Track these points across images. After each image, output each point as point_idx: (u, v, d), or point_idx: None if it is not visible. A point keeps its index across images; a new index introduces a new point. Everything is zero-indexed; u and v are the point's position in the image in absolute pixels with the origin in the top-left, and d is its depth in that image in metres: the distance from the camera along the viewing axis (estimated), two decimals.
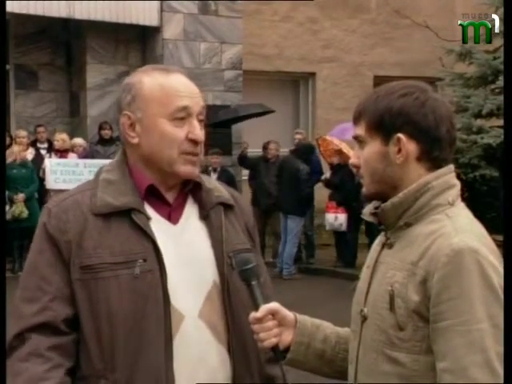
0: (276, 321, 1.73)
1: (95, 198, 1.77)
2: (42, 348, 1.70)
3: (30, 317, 1.72)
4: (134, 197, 1.78)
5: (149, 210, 1.79)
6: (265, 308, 1.71)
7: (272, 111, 11.91)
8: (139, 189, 1.80)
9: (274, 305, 1.73)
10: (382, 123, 1.61)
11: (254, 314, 1.70)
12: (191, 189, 1.86)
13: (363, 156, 1.66)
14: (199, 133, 1.78)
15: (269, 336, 1.71)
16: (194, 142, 1.78)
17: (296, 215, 10.26)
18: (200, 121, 1.80)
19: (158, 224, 1.79)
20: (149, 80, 1.79)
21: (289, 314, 1.77)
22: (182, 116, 1.76)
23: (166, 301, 1.72)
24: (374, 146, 1.64)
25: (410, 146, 1.60)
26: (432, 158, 1.62)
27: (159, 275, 1.73)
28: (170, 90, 1.77)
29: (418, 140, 1.60)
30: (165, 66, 1.88)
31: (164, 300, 1.72)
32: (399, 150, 1.60)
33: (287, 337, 1.75)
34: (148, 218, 1.77)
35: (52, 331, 1.71)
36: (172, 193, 1.84)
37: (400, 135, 1.60)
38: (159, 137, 1.76)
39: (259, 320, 1.70)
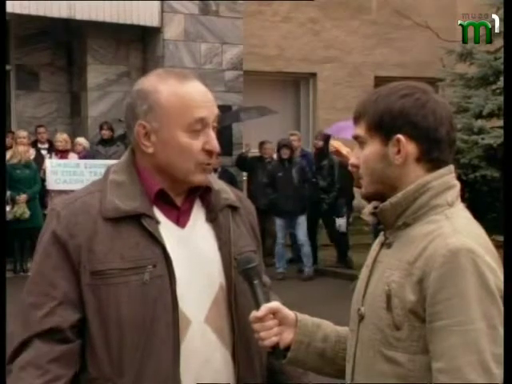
0: (277, 320, 1.74)
1: (105, 200, 1.76)
2: (43, 359, 1.69)
3: (36, 323, 1.71)
4: (143, 201, 1.77)
5: (157, 214, 1.79)
6: (266, 307, 1.71)
7: (274, 113, 11.90)
8: (148, 193, 1.79)
9: (274, 304, 1.74)
10: (382, 124, 1.61)
11: (254, 313, 1.71)
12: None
13: (363, 156, 1.66)
14: (215, 144, 1.77)
15: (269, 335, 1.71)
16: (210, 153, 1.78)
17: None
18: (213, 127, 1.80)
19: (166, 228, 1.78)
20: (165, 89, 1.76)
21: (290, 314, 1.78)
22: (198, 128, 1.75)
23: (175, 306, 1.73)
24: (373, 147, 1.64)
25: (410, 147, 1.60)
26: (431, 160, 1.61)
27: (168, 281, 1.73)
28: (188, 100, 1.75)
29: (417, 141, 1.60)
30: (180, 71, 1.85)
31: (173, 305, 1.72)
32: (398, 151, 1.60)
33: (288, 336, 1.76)
34: (157, 223, 1.77)
35: (58, 338, 1.71)
36: (180, 196, 1.84)
37: (400, 136, 1.60)
38: (176, 149, 1.75)
39: (260, 319, 1.71)
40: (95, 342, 1.71)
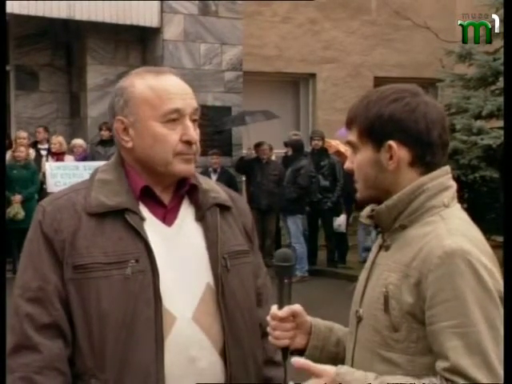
0: (295, 323, 1.74)
1: (89, 197, 1.77)
2: (56, 359, 1.70)
3: (37, 317, 1.71)
4: (128, 197, 1.78)
5: (144, 211, 1.80)
6: (289, 309, 1.71)
7: (276, 117, 11.90)
8: (134, 190, 1.80)
9: (297, 307, 1.74)
10: (373, 130, 1.61)
11: (275, 311, 1.71)
12: (187, 190, 1.86)
13: (356, 162, 1.67)
14: (193, 134, 1.78)
15: (283, 336, 1.72)
16: (189, 143, 1.78)
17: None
18: (193, 120, 1.80)
19: (152, 225, 1.79)
20: (140, 83, 1.79)
21: (307, 320, 1.77)
22: (174, 118, 1.76)
23: (158, 302, 1.73)
24: (366, 153, 1.64)
25: (402, 153, 1.60)
26: (425, 163, 1.61)
27: (151, 276, 1.73)
28: (160, 92, 1.77)
29: (409, 146, 1.60)
30: (157, 68, 1.88)
31: (155, 301, 1.72)
32: (391, 157, 1.60)
33: (300, 341, 1.76)
34: (142, 219, 1.77)
35: (59, 333, 1.72)
36: (167, 194, 1.84)
37: (391, 142, 1.59)
38: (152, 140, 1.76)
39: (280, 318, 1.70)
40: (79, 337, 1.72)
